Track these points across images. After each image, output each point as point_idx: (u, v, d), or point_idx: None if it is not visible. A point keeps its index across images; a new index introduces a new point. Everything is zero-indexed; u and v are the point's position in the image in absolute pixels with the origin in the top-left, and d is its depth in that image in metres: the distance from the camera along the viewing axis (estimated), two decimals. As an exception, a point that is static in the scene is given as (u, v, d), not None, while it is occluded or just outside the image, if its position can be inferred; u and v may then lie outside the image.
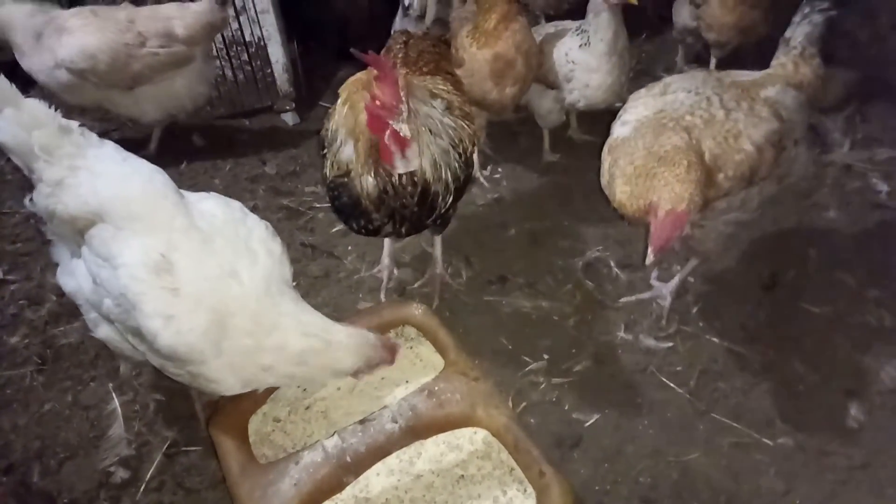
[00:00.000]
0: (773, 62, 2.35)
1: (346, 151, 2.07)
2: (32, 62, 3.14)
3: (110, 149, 1.95)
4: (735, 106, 2.12)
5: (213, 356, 1.76)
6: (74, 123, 1.90)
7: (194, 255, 1.79)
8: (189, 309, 1.73)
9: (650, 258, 1.92)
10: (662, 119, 2.10)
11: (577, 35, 3.12)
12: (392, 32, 2.61)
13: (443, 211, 2.21)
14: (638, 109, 2.19)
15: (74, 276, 1.98)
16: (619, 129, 2.20)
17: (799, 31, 2.29)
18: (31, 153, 1.84)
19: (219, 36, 3.70)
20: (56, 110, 1.87)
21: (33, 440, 2.27)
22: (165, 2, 3.38)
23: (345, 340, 1.90)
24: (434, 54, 2.42)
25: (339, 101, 2.09)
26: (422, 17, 2.53)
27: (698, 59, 4.13)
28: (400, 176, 2.04)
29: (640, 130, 2.11)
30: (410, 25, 2.54)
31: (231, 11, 3.56)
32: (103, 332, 1.99)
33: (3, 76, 1.82)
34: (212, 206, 1.95)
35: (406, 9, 2.55)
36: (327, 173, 2.16)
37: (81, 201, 1.83)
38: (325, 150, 2.19)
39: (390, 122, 1.92)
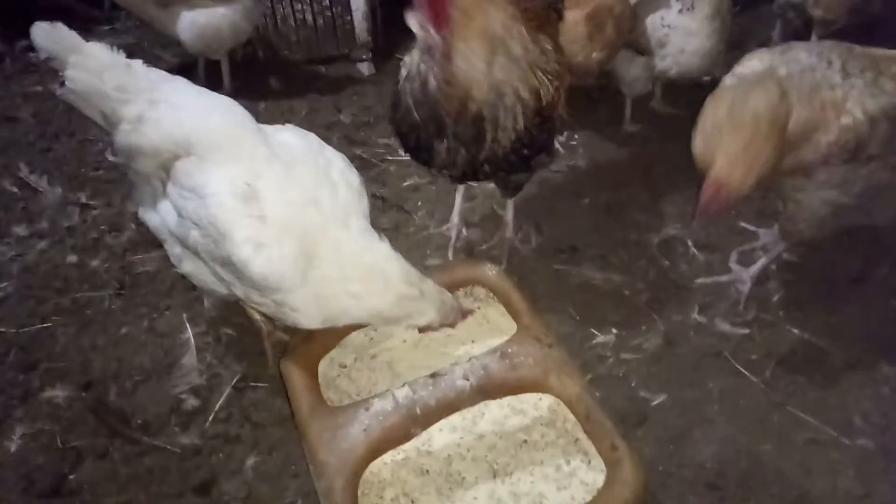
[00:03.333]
0: None
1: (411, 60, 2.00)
2: None
3: (183, 82, 1.98)
4: (857, 73, 2.01)
5: (299, 284, 1.78)
6: (139, 62, 1.93)
7: (277, 183, 1.81)
8: (277, 236, 1.75)
9: (696, 221, 1.90)
10: (766, 77, 2.02)
11: (675, 2, 2.98)
12: None
13: (497, 153, 2.08)
14: (752, 63, 2.12)
15: (158, 211, 2.00)
16: (728, 79, 2.15)
17: None
18: (105, 96, 1.87)
19: (303, -21, 3.68)
20: (119, 50, 1.90)
21: (111, 361, 2.35)
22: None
23: (434, 295, 1.93)
24: (541, 15, 2.30)
25: None
26: None
27: (797, 36, 3.89)
28: (448, 79, 1.91)
29: (741, 83, 2.05)
30: None
31: None
32: (188, 266, 2.02)
33: (62, 25, 1.86)
34: (290, 137, 1.97)
35: None
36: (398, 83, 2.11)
37: (165, 133, 1.85)
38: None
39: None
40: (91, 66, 1.86)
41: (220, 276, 1.89)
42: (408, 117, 2.05)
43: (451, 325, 2.08)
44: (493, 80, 1.97)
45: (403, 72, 2.07)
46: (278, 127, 2.03)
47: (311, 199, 1.82)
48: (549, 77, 2.13)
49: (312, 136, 2.03)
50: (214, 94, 1.99)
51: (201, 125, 1.86)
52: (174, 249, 2.03)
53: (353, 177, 1.97)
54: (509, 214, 2.73)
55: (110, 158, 3.14)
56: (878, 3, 3.41)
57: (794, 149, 1.98)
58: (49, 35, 1.86)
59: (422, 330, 2.05)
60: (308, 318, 1.88)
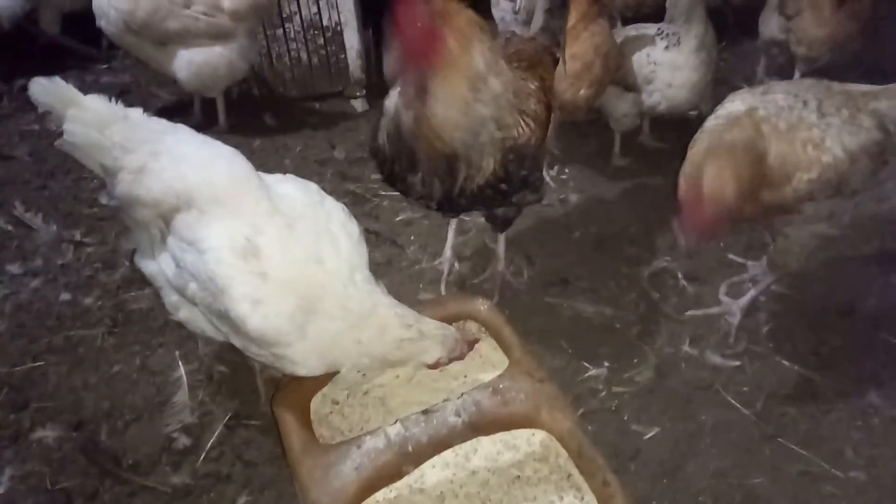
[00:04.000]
0: None
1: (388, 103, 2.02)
2: None
3: (186, 132, 1.98)
4: (833, 112, 2.08)
5: (298, 339, 1.79)
6: (138, 111, 1.93)
7: (280, 240, 1.82)
8: (277, 293, 1.76)
9: (680, 241, 2.03)
10: (744, 116, 2.10)
11: (662, 37, 3.07)
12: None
13: (472, 188, 2.08)
14: (734, 104, 2.19)
15: (156, 260, 1.99)
16: (710, 122, 2.21)
17: None
18: (104, 148, 1.85)
19: (297, 18, 3.77)
20: (117, 102, 1.90)
21: (103, 399, 2.34)
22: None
23: (434, 332, 1.96)
24: (533, 57, 2.36)
25: None
26: (528, 23, 2.50)
27: (781, 72, 3.99)
28: (421, 120, 1.91)
29: (721, 124, 2.12)
30: (518, 29, 2.52)
31: None
32: (184, 314, 2.02)
33: (60, 80, 1.85)
34: (291, 190, 1.97)
35: (515, 13, 2.54)
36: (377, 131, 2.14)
37: (167, 185, 1.84)
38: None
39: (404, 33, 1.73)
40: (89, 119, 1.85)
41: (217, 326, 1.90)
42: (382, 149, 2.09)
43: (461, 358, 2.09)
44: (468, 121, 1.94)
45: (387, 103, 2.09)
46: (279, 177, 2.03)
47: (313, 256, 1.83)
48: (526, 118, 2.14)
49: (312, 187, 2.02)
50: (218, 144, 1.99)
51: (204, 178, 1.86)
52: (171, 297, 2.02)
53: (353, 227, 1.98)
54: (500, 248, 2.75)
55: (104, 202, 3.16)
56: (860, 40, 3.49)
57: (777, 185, 2.03)
58: (47, 90, 1.84)
59: (432, 366, 2.06)
60: (308, 368, 1.90)
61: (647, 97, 3.16)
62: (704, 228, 1.95)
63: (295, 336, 1.79)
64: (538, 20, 2.51)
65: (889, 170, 2.10)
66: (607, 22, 3.03)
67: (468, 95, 1.91)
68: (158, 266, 1.98)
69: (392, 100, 2.03)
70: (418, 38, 1.74)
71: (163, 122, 1.98)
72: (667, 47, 3.05)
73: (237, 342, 1.90)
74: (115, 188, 1.92)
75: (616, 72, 3.11)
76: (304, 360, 1.85)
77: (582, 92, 2.99)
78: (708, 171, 1.95)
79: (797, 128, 2.05)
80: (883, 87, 2.21)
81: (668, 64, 3.05)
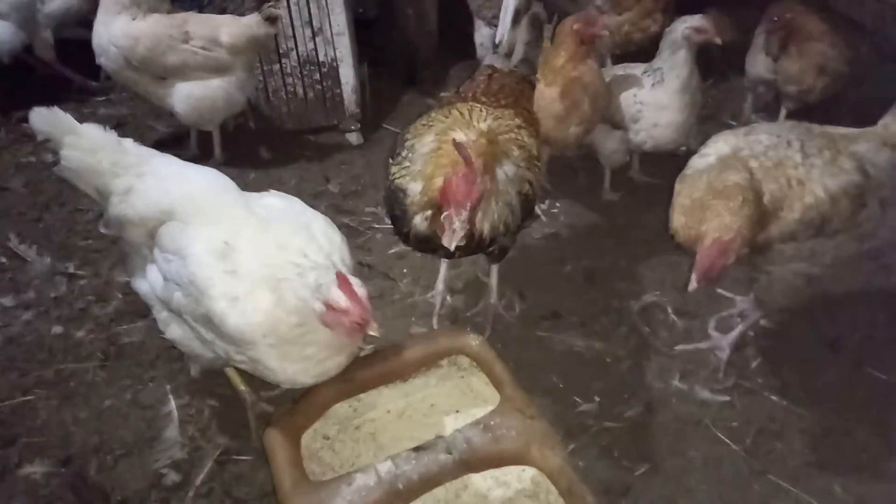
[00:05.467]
0: (879, 123, 2.33)
1: (414, 187, 2.09)
2: (100, 33, 3.36)
3: (171, 158, 2.13)
4: (816, 153, 2.14)
5: (275, 339, 1.83)
6: (129, 140, 2.09)
7: (254, 238, 1.89)
8: (248, 289, 1.81)
9: (692, 285, 1.98)
10: (732, 158, 2.14)
11: (648, 75, 3.14)
12: (481, 66, 2.67)
13: (495, 248, 2.23)
14: (718, 145, 2.24)
15: (147, 278, 2.09)
16: (696, 162, 2.27)
17: None
18: (100, 173, 2.01)
19: (293, 54, 3.83)
20: (110, 130, 2.05)
21: (92, 434, 2.33)
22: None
23: None
24: (516, 90, 2.46)
25: (431, 133, 2.13)
26: (509, 55, 2.58)
27: (767, 109, 4.08)
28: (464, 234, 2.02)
29: (710, 166, 2.16)
30: (498, 62, 2.60)
31: (299, 32, 3.73)
32: (174, 331, 2.07)
33: (58, 109, 2.00)
34: (272, 200, 2.08)
35: (495, 46, 2.61)
36: (392, 173, 2.21)
37: (152, 202, 1.97)
38: (398, 156, 2.23)
39: (452, 211, 1.94)
40: (85, 145, 2.00)
41: (203, 336, 1.94)
42: (409, 236, 2.17)
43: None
44: (493, 220, 2.10)
45: (416, 221, 2.12)
46: (263, 193, 2.13)
47: (286, 247, 1.88)
48: (535, 169, 2.24)
49: (296, 200, 2.12)
50: (199, 166, 2.13)
51: (184, 192, 1.99)
52: (161, 314, 2.10)
53: (333, 234, 2.04)
54: (494, 280, 2.78)
55: (102, 231, 3.18)
56: (846, 80, 3.59)
57: (769, 223, 2.08)
58: (46, 119, 1.99)
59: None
60: (286, 376, 1.91)
61: (634, 136, 3.23)
62: (712, 273, 1.96)
63: (269, 334, 1.81)
64: (519, 52, 2.59)
65: (868, 211, 2.14)
66: (596, 61, 3.11)
67: (498, 206, 2.10)
68: (149, 284, 2.07)
69: (421, 223, 2.10)
70: (464, 193, 1.93)
71: (150, 150, 2.13)
72: (653, 85, 3.12)
73: (220, 349, 1.93)
74: (108, 212, 2.06)
75: (605, 110, 3.17)
76: (280, 366, 1.87)
77: (571, 130, 3.06)
78: (712, 219, 1.98)
79: (784, 164, 2.11)
80: (861, 130, 2.27)
81: (653, 104, 3.12)
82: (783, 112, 3.82)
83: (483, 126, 2.13)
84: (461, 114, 2.19)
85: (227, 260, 1.84)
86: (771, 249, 2.13)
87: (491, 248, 2.26)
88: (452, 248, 1.96)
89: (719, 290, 2.93)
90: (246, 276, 1.83)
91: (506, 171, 2.12)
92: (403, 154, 2.20)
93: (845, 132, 2.26)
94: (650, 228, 3.34)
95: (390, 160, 2.28)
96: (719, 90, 4.43)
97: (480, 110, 2.22)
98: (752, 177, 2.07)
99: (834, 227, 2.11)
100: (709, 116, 4.08)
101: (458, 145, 1.91)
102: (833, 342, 2.70)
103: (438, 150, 2.07)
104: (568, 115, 3.01)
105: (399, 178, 2.15)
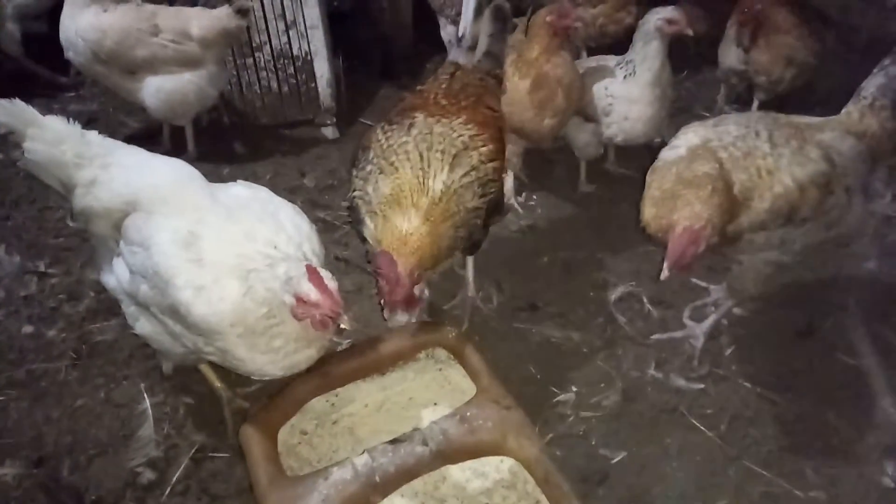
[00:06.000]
0: (843, 111, 2.36)
1: (369, 223, 2.12)
2: (67, 26, 3.29)
3: (136, 149, 2.12)
4: (783, 143, 2.16)
5: (240, 330, 1.82)
6: (94, 132, 2.07)
7: (218, 226, 1.88)
8: (214, 278, 1.80)
9: (664, 273, 2.01)
10: (701, 149, 2.16)
11: (621, 67, 3.15)
12: (446, 61, 2.64)
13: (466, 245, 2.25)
14: (688, 136, 2.25)
15: (114, 272, 2.07)
16: (666, 153, 2.27)
17: (872, 83, 2.31)
18: (63, 164, 1.99)
19: (267, 48, 3.79)
20: (75, 122, 2.03)
21: (65, 434, 2.30)
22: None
23: None
24: (478, 87, 2.44)
25: (388, 181, 2.11)
26: (473, 48, 2.55)
27: (739, 100, 4.13)
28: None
29: (680, 157, 2.18)
30: (462, 57, 2.57)
31: (268, 24, 3.70)
32: (142, 326, 2.05)
33: (20, 101, 1.99)
34: (238, 189, 2.07)
35: (459, 39, 2.59)
36: (353, 187, 2.21)
37: (115, 193, 1.96)
38: (356, 172, 2.22)
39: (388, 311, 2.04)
40: (48, 137, 1.98)
41: (172, 330, 1.92)
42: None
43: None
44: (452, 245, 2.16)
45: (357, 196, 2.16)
46: (230, 184, 2.12)
47: (252, 235, 1.87)
48: (492, 179, 2.23)
49: (263, 189, 2.11)
50: (165, 157, 2.12)
51: (148, 182, 1.97)
52: (129, 308, 2.08)
53: (302, 223, 2.03)
54: (470, 273, 2.78)
55: (70, 224, 3.14)
56: (814, 70, 3.65)
57: (739, 213, 2.10)
58: (7, 111, 1.97)
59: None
60: (256, 366, 1.90)
61: (606, 129, 3.24)
62: (684, 262, 1.99)
63: (235, 323, 1.80)
64: (482, 45, 2.56)
65: (834, 199, 2.17)
66: (570, 54, 3.11)
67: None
68: (116, 277, 2.05)
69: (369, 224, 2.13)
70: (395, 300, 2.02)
71: (116, 141, 2.10)
72: (625, 77, 3.13)
73: (189, 341, 1.91)
74: (73, 204, 2.04)
75: (579, 102, 3.18)
76: (249, 356, 1.86)
77: (546, 122, 3.06)
78: (682, 208, 2.00)
79: (753, 154, 2.13)
80: (825, 119, 2.31)
81: (624, 97, 3.13)
82: (756, 103, 3.87)
83: (438, 186, 2.09)
84: (420, 156, 2.14)
85: (191, 249, 1.83)
86: (741, 239, 2.16)
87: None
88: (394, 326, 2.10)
89: (693, 280, 2.96)
90: (211, 265, 1.81)
91: (469, 203, 2.15)
92: (365, 172, 2.17)
93: (810, 121, 2.29)
94: (626, 220, 3.35)
95: (353, 169, 2.26)
96: (693, 82, 4.47)
97: (439, 154, 2.15)
98: (721, 167, 2.09)
99: (802, 215, 2.13)
100: (682, 109, 4.11)
101: (381, 264, 1.96)
102: (805, 329, 2.75)
103: (385, 221, 2.06)
104: (542, 108, 3.02)
105: (359, 198, 2.16)
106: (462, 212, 2.13)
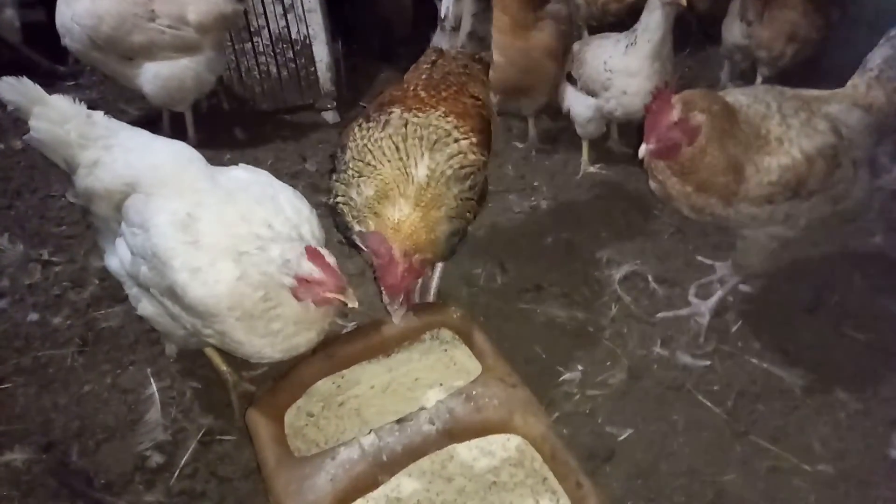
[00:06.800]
0: (849, 83, 2.33)
1: (358, 229, 2.09)
2: (63, 12, 3.27)
3: (140, 130, 2.12)
4: (792, 114, 2.13)
5: (238, 314, 1.82)
6: (99, 113, 2.08)
7: (215, 209, 1.88)
8: (210, 260, 1.79)
9: (641, 151, 2.11)
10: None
11: (625, 37, 3.13)
12: (428, 48, 2.58)
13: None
14: None
15: (116, 254, 2.08)
16: None
17: (878, 54, 2.27)
18: (68, 144, 2.00)
19: (265, 32, 3.77)
20: (80, 102, 2.04)
21: (73, 420, 2.31)
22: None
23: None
24: (461, 75, 2.39)
25: (372, 183, 2.07)
26: (456, 29, 2.48)
27: (743, 77, 4.09)
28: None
29: None
30: (444, 41, 2.51)
31: (270, 9, 3.68)
32: (144, 307, 2.05)
33: (27, 79, 2.00)
34: (239, 172, 2.07)
35: (441, 21, 2.52)
36: (334, 192, 2.17)
37: (116, 175, 1.97)
38: (336, 175, 2.19)
39: (385, 296, 2.04)
40: (53, 116, 1.99)
41: (171, 311, 1.92)
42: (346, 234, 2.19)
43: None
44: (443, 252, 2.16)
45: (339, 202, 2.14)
46: (231, 167, 2.11)
47: (249, 217, 1.87)
48: (478, 168, 2.20)
49: (263, 172, 2.11)
50: (167, 139, 2.11)
51: (148, 163, 1.97)
52: (132, 290, 2.09)
53: (302, 206, 2.02)
54: (435, 281, 2.64)
55: (71, 200, 3.13)
56: (817, 45, 3.61)
57: (745, 147, 2.09)
58: (14, 88, 1.99)
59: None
60: (255, 349, 1.89)
61: (605, 103, 3.21)
62: (660, 129, 2.05)
63: (232, 307, 1.79)
64: (466, 26, 2.49)
65: (841, 172, 2.15)
66: (550, 23, 3.13)
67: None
68: (119, 259, 2.06)
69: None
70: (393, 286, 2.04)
71: (121, 123, 2.11)
72: (627, 46, 3.10)
73: (188, 323, 1.91)
74: (76, 184, 2.05)
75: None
76: (248, 339, 1.85)
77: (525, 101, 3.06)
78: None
79: (767, 117, 2.12)
80: (832, 92, 2.28)
81: (623, 71, 3.10)
82: (759, 79, 3.84)
83: (421, 175, 2.06)
84: (397, 149, 2.10)
85: (188, 231, 1.83)
86: (741, 198, 2.14)
87: None
88: (399, 323, 2.12)
89: (699, 257, 2.96)
90: (207, 247, 1.81)
91: (447, 217, 2.10)
92: (347, 177, 2.13)
93: (817, 94, 2.26)
94: (630, 198, 3.35)
95: (332, 173, 2.24)
96: (695, 60, 4.43)
97: (416, 142, 2.11)
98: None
99: (809, 188, 2.11)
100: (685, 86, 4.03)
101: (372, 243, 1.96)
102: (811, 304, 2.74)
103: (377, 217, 2.04)
104: (520, 85, 3.00)
105: (343, 204, 2.13)
106: (452, 199, 2.10)
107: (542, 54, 3.10)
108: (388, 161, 2.08)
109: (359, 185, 2.08)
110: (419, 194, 2.05)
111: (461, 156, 2.15)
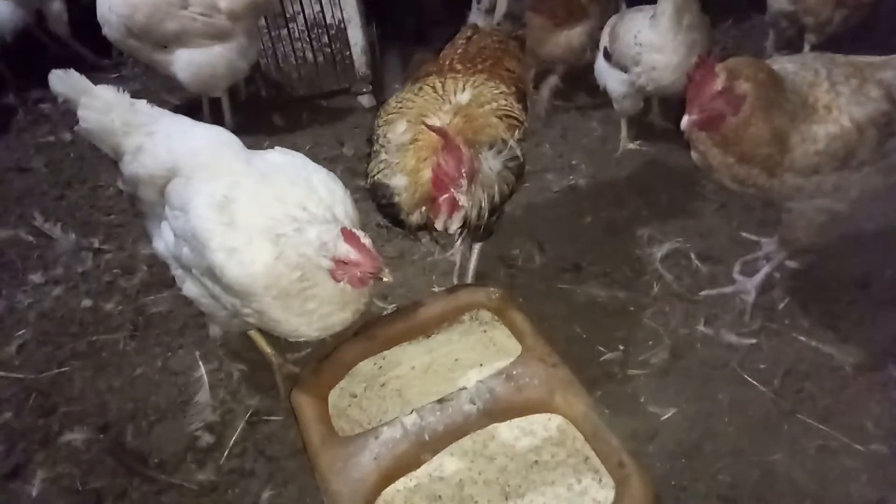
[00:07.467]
0: None
1: (398, 181, 2.03)
2: (102, 3, 3.34)
3: (181, 117, 2.18)
4: (843, 81, 2.05)
5: (274, 292, 1.84)
6: (143, 101, 2.15)
7: (251, 190, 1.91)
8: (246, 241, 1.83)
9: (684, 122, 2.06)
10: None
11: (650, 11, 3.04)
12: (464, 25, 2.58)
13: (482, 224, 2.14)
14: None
15: (162, 237, 2.15)
16: None
17: None
18: (113, 132, 2.08)
19: (300, 18, 3.78)
20: (124, 92, 2.12)
21: (127, 401, 2.40)
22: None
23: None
24: (497, 51, 2.37)
25: (403, 120, 2.06)
26: (491, 11, 2.47)
27: (790, 46, 3.94)
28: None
29: None
30: (480, 20, 2.51)
31: None
32: (188, 288, 2.12)
33: (74, 71, 2.09)
34: (274, 155, 2.10)
35: (476, 3, 2.51)
36: (371, 172, 2.14)
37: (158, 160, 2.03)
38: (373, 151, 2.17)
39: (453, 189, 1.93)
40: (99, 105, 2.08)
41: (213, 292, 1.97)
42: (392, 211, 2.12)
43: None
44: (481, 206, 2.04)
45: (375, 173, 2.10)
46: (267, 150, 2.15)
47: (283, 197, 1.89)
48: (521, 127, 2.16)
49: (298, 155, 2.13)
50: (206, 124, 2.18)
51: (188, 148, 2.03)
52: (177, 271, 2.16)
53: (336, 187, 2.04)
54: (473, 262, 2.63)
55: (121, 188, 3.22)
56: (868, 9, 3.44)
57: (792, 118, 2.02)
58: (63, 80, 2.09)
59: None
60: (292, 327, 1.92)
61: (637, 78, 3.13)
62: (703, 102, 2.00)
63: (269, 286, 1.81)
64: (502, 6, 2.48)
65: (894, 142, 2.06)
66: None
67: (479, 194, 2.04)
68: (164, 242, 2.13)
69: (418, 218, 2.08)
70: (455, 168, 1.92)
71: (163, 110, 2.18)
72: (650, 19, 3.01)
73: (228, 303, 1.96)
74: (122, 171, 2.14)
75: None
76: (285, 317, 1.89)
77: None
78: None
79: (815, 85, 2.04)
80: (887, 58, 2.17)
81: (650, 46, 3.00)
82: (806, 47, 3.68)
83: (462, 98, 2.05)
84: (433, 89, 2.10)
85: (224, 212, 1.86)
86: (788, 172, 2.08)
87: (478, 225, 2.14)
88: (453, 230, 2.02)
89: (743, 234, 2.88)
90: (243, 228, 1.84)
91: (488, 157, 2.04)
92: (377, 145, 2.13)
93: (871, 60, 2.16)
94: (671, 175, 3.28)
95: (370, 154, 2.20)
96: (739, 30, 4.29)
97: (456, 81, 2.12)
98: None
99: (859, 159, 2.03)
100: (728, 56, 3.95)
101: (431, 127, 1.89)
102: (862, 280, 2.65)
103: (416, 141, 2.00)
104: None
105: (379, 173, 2.09)
106: (492, 137, 2.04)
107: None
108: (424, 99, 2.08)
109: (394, 125, 2.07)
110: (458, 109, 2.00)
111: (504, 98, 2.14)
